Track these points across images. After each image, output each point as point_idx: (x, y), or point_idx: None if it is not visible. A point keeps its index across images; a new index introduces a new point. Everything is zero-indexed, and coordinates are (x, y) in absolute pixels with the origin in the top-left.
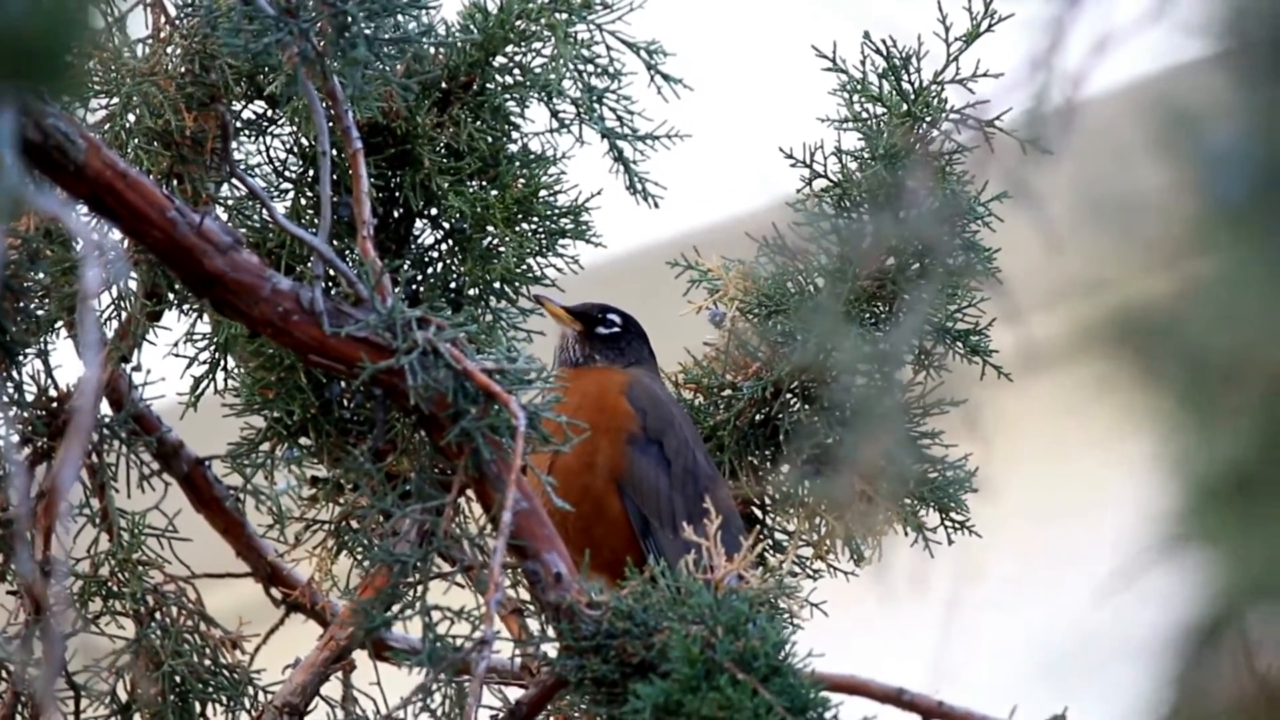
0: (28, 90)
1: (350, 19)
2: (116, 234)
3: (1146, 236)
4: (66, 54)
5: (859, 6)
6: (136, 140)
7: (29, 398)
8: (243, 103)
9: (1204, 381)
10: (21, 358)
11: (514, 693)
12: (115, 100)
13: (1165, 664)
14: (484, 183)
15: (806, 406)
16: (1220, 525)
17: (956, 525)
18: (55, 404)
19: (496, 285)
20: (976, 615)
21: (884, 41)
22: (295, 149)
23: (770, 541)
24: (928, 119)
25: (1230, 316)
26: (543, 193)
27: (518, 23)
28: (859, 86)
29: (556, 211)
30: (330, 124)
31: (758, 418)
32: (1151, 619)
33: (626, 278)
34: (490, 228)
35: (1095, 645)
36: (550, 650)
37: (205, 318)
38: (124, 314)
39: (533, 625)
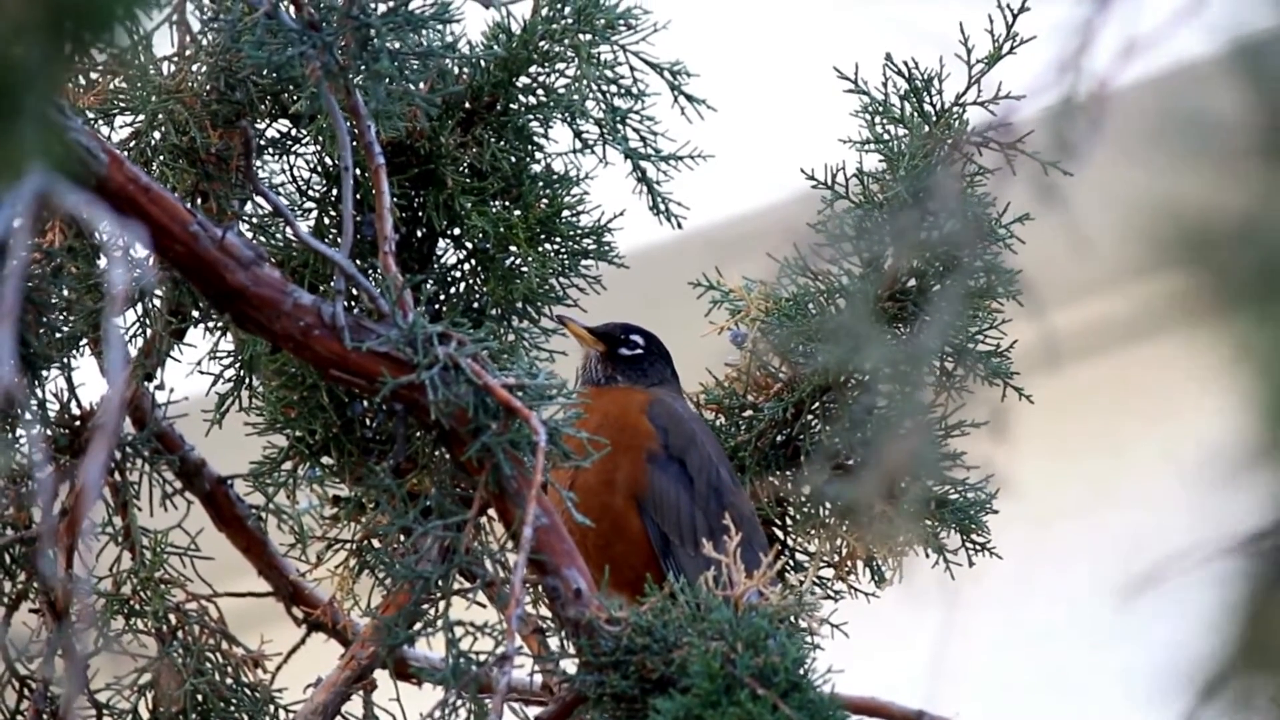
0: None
1: (374, 33)
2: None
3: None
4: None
5: (880, 29)
6: (162, 157)
7: (52, 415)
8: (267, 121)
9: None
10: (45, 374)
11: (534, 710)
12: (141, 117)
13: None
14: (507, 203)
15: (827, 427)
16: None
17: (978, 547)
18: (78, 421)
19: (519, 305)
20: (976, 615)
21: (905, 64)
22: (319, 168)
23: (791, 562)
24: (949, 140)
25: None
26: (565, 213)
27: (541, 43)
28: (881, 108)
29: (579, 232)
30: (353, 141)
31: (779, 438)
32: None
33: (633, 273)
34: (513, 247)
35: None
36: (570, 667)
37: (229, 335)
38: (148, 331)
39: (553, 644)
